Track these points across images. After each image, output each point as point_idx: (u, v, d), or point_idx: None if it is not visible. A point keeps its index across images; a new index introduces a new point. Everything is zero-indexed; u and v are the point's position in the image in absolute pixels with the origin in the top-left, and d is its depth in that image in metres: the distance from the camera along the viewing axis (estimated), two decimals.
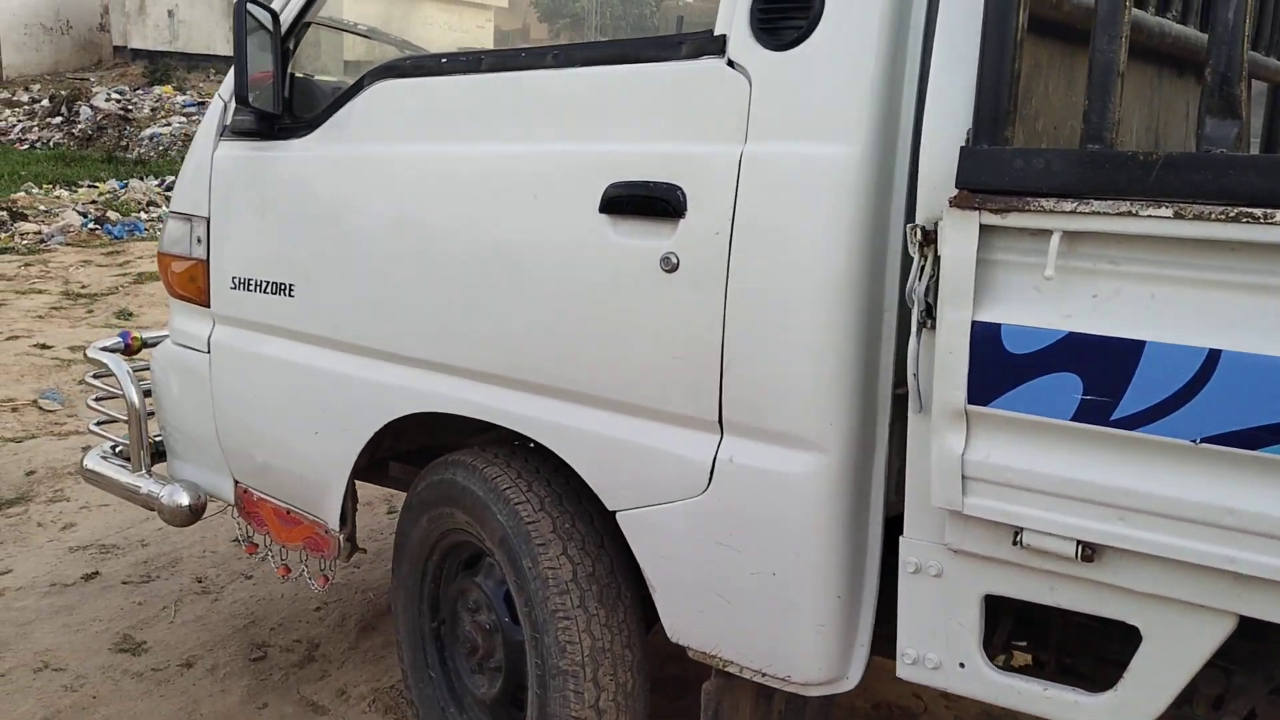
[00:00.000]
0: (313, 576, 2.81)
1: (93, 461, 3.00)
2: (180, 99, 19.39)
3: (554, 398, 2.03)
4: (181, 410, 2.85)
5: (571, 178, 1.94)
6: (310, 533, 2.61)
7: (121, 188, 12.69)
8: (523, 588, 2.13)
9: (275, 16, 2.43)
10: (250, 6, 2.34)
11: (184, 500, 2.77)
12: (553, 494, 2.16)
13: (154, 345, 3.17)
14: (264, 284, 2.52)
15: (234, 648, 3.12)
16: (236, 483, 2.76)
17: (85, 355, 3.02)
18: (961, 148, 1.47)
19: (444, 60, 2.23)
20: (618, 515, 1.98)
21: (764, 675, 1.84)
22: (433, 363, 2.21)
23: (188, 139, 16.94)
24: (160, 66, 21.88)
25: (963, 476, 1.52)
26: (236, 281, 2.59)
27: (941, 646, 1.67)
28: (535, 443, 2.11)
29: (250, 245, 2.56)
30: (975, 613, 1.64)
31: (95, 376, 3.05)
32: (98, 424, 3.08)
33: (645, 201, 1.83)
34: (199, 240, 2.66)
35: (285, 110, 2.46)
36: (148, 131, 17.26)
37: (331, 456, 2.46)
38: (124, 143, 16.93)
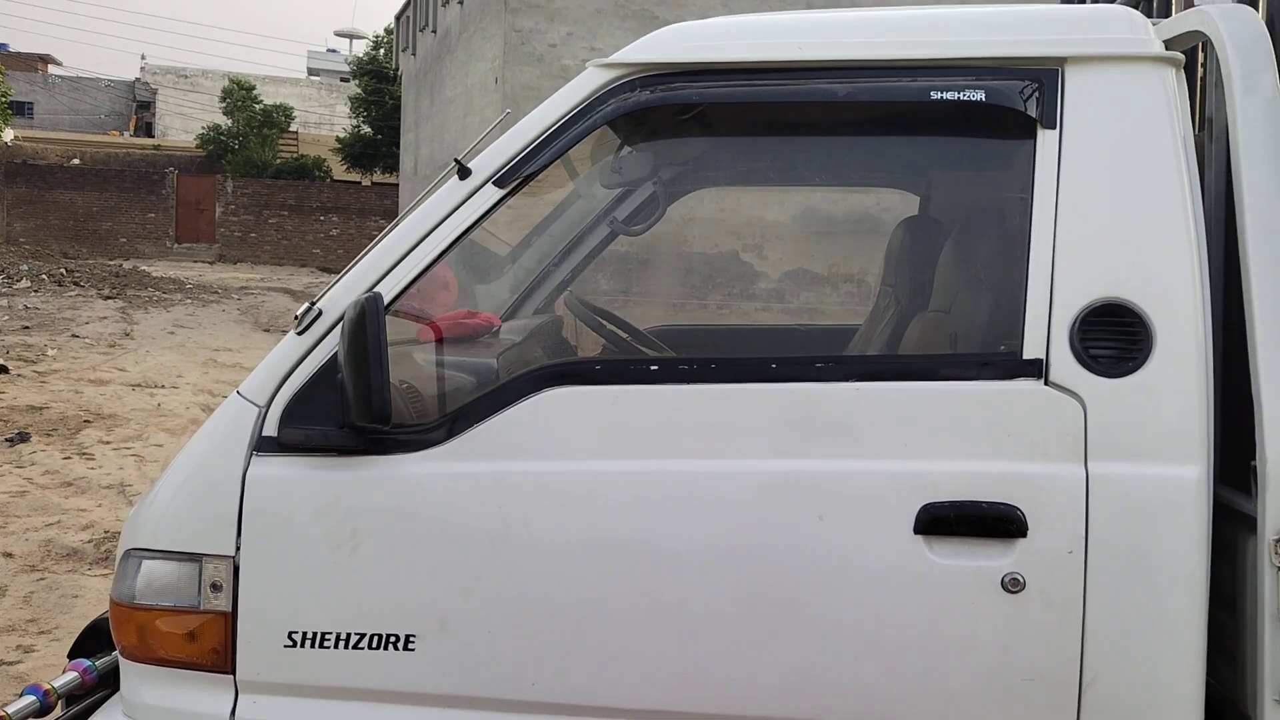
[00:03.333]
0: None
1: None
2: None
3: None
4: None
5: (871, 499, 1.93)
6: None
7: None
8: None
9: (378, 304, 1.92)
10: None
11: None
12: None
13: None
14: (353, 638, 2.05)
15: None
16: None
17: None
18: None
19: (654, 368, 2.11)
20: None
21: None
22: (667, 713, 2.01)
23: None
24: None
25: None
26: (298, 638, 2.07)
27: None
28: None
29: (327, 590, 2.07)
30: None
31: None
32: None
33: (978, 522, 1.90)
34: (215, 588, 2.08)
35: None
36: None
37: None
38: None
